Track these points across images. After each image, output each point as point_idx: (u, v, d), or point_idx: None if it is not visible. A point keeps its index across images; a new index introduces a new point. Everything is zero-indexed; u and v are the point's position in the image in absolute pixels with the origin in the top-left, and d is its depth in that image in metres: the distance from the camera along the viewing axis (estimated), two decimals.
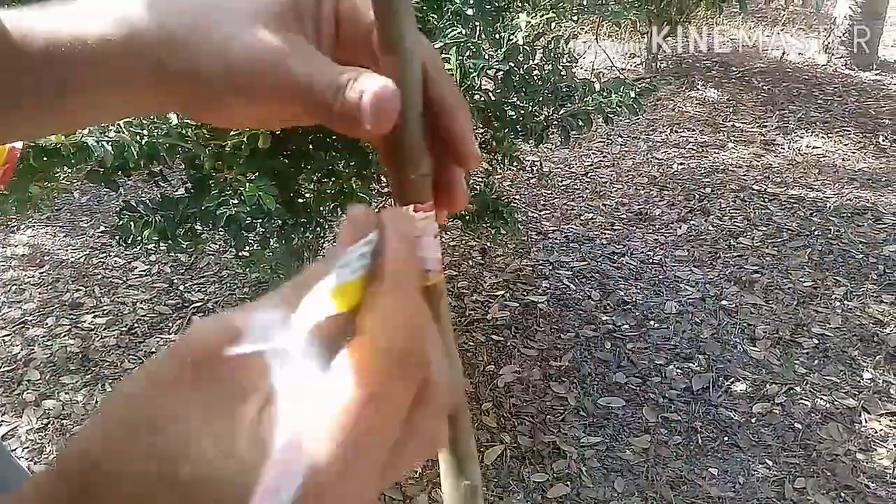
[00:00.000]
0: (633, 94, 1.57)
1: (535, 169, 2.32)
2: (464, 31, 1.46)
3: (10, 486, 0.74)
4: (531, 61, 1.62)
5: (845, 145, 4.21)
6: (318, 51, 0.34)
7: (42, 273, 3.05)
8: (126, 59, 0.34)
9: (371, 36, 0.33)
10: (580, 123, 1.64)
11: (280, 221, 1.82)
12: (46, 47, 0.35)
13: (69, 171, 2.09)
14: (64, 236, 3.36)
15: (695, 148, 4.24)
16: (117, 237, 1.70)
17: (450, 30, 1.46)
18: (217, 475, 0.23)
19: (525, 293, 2.82)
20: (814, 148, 4.19)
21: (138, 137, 1.37)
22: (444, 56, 1.36)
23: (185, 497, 0.23)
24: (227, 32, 0.33)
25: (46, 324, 2.70)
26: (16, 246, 3.26)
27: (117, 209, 1.75)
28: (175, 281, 2.96)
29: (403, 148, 0.31)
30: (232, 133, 1.37)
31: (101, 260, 3.14)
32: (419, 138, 0.31)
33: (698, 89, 5.22)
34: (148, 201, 1.70)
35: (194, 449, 0.23)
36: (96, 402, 2.29)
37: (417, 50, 0.31)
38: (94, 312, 2.77)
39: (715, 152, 4.17)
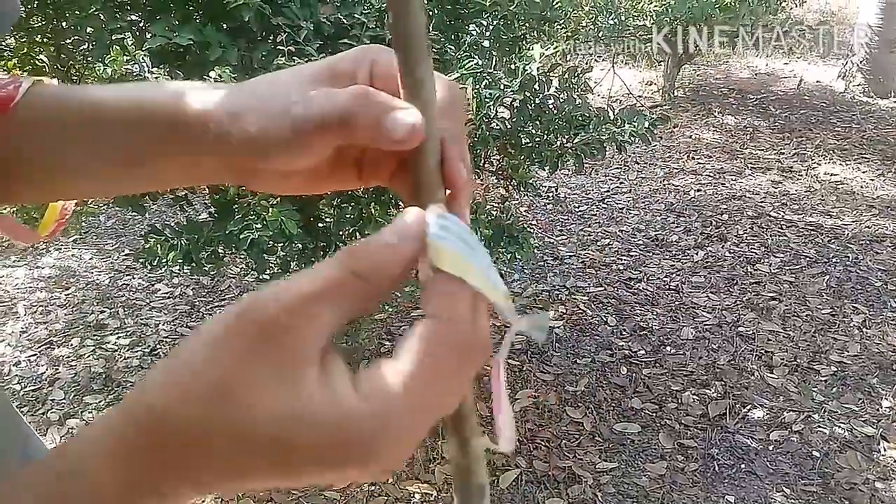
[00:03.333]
0: (646, 124, 1.60)
1: (551, 195, 2.35)
2: (480, 62, 1.51)
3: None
4: (546, 91, 1.66)
5: (863, 172, 4.20)
6: None
7: (68, 294, 3.12)
8: (194, 129, 0.38)
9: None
10: (594, 152, 1.67)
11: (301, 245, 1.86)
12: (119, 118, 0.39)
13: None
14: (90, 259, 3.44)
15: (712, 174, 4.26)
16: (142, 259, 1.75)
17: (467, 61, 1.51)
18: (295, 435, 0.27)
19: None
20: (832, 175, 4.18)
21: None
22: (461, 87, 1.41)
23: (271, 455, 0.27)
24: (282, 92, 0.37)
25: (72, 344, 2.76)
26: (43, 268, 3.35)
27: (142, 232, 1.80)
28: (197, 303, 3.01)
29: (422, 175, 0.33)
30: None
31: (126, 282, 3.21)
32: (436, 168, 0.34)
33: (715, 116, 5.24)
34: (174, 225, 1.76)
35: (269, 413, 0.27)
36: None
37: (436, 85, 0.34)
38: (117, 334, 2.82)
39: (732, 179, 4.18)
